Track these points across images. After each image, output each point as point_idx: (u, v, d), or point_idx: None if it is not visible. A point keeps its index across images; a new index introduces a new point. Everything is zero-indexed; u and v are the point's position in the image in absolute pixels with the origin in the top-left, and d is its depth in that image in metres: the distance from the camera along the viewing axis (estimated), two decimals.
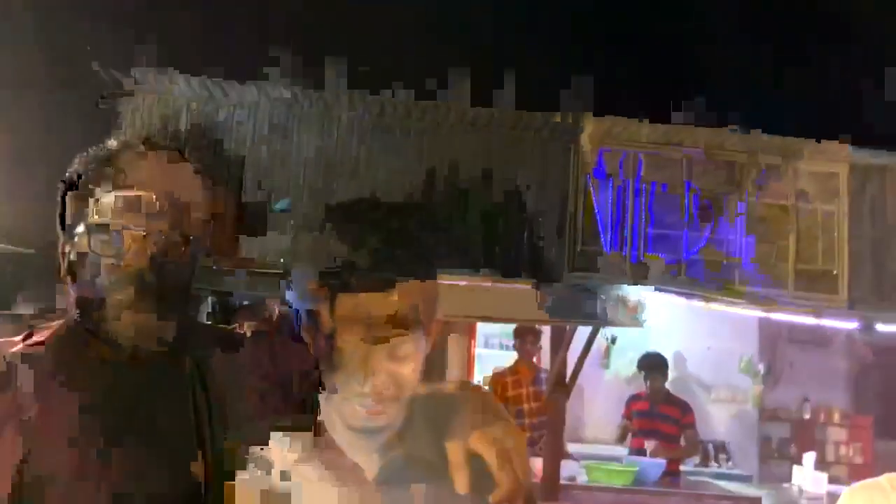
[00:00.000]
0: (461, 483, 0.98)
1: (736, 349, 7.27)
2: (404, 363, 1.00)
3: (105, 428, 1.07)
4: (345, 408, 1.01)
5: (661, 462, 5.04)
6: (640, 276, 4.99)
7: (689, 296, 4.79)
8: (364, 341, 0.98)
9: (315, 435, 1.05)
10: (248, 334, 1.26)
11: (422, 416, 1.08)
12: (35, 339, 1.13)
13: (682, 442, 5.33)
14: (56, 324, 1.15)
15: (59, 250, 1.13)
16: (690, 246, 5.14)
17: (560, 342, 5.13)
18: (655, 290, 4.78)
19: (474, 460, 1.00)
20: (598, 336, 5.45)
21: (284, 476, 1.04)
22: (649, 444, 5.23)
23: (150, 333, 1.08)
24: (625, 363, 6.84)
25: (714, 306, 4.87)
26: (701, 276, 5.06)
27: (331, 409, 1.04)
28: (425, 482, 1.05)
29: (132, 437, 1.07)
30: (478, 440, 1.00)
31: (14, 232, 5.16)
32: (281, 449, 1.04)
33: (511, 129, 5.36)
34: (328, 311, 0.99)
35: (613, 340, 7.01)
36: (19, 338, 1.15)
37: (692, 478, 5.48)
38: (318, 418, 1.07)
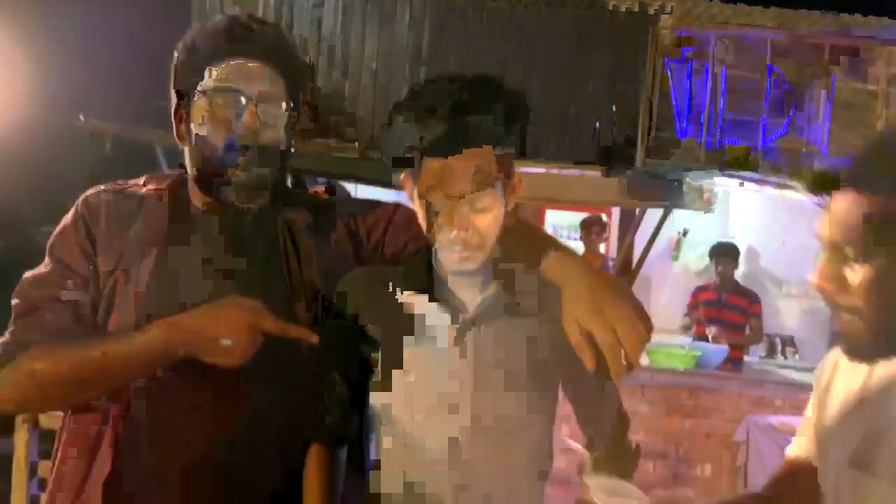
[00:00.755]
0: (588, 359, 1.09)
1: (812, 245, 7.07)
2: (484, 215, 1.13)
3: (213, 269, 1.23)
4: (442, 254, 1.17)
5: (724, 348, 5.09)
6: (715, 162, 4.89)
7: (762, 183, 4.68)
8: (449, 197, 1.11)
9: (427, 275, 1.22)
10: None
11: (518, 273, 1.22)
12: (152, 185, 1.28)
13: (747, 331, 5.34)
14: (169, 179, 1.31)
15: (173, 114, 1.27)
16: (769, 133, 4.99)
17: (628, 230, 5.14)
18: (729, 176, 4.70)
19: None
20: (670, 228, 5.41)
21: (402, 303, 1.21)
22: (710, 330, 5.27)
23: (254, 189, 1.21)
24: (695, 256, 6.80)
25: (789, 194, 4.75)
26: (779, 164, 4.93)
27: (439, 256, 1.20)
28: (515, 319, 1.20)
29: (235, 280, 1.22)
30: (590, 320, 1.09)
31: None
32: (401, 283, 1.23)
33: (587, 9, 5.20)
34: (418, 173, 1.13)
35: (685, 233, 6.93)
36: (141, 180, 1.30)
37: (756, 367, 5.53)
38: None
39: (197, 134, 1.21)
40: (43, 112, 4.65)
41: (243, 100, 1.18)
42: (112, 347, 1.15)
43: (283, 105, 1.23)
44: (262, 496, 1.20)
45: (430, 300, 1.20)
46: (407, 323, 1.20)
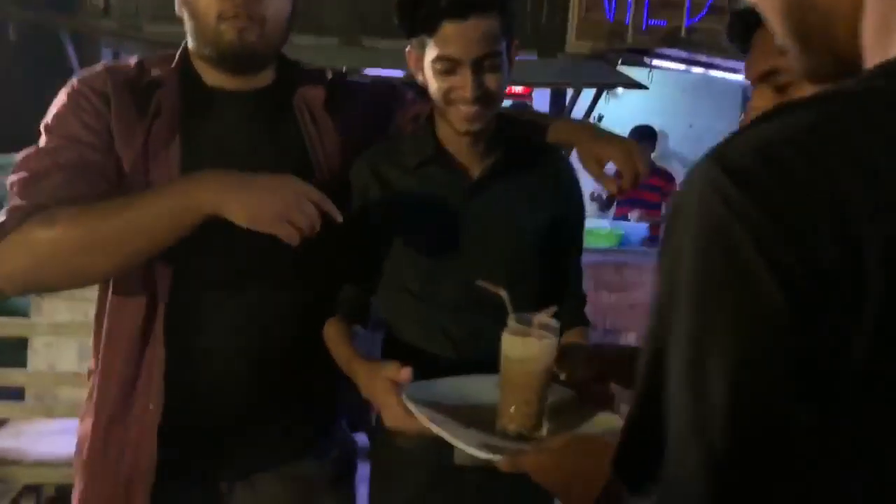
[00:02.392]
0: (611, 185, 1.24)
1: (717, 127, 7.46)
2: (495, 74, 1.20)
3: (237, 151, 1.22)
4: (453, 115, 1.22)
5: (644, 226, 5.37)
6: (642, 43, 4.99)
7: (690, 63, 4.84)
8: (465, 58, 1.17)
9: (434, 145, 1.28)
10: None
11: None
12: (157, 69, 1.23)
13: (664, 210, 5.63)
14: (172, 59, 1.24)
15: None
16: (693, 13, 5.11)
17: (560, 113, 5.24)
18: (658, 57, 4.82)
19: None
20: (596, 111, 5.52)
21: (412, 174, 1.28)
22: (633, 214, 5.53)
23: (250, 44, 1.17)
24: None
25: (714, 73, 4.93)
26: (703, 44, 5.07)
27: (445, 123, 1.26)
28: (516, 183, 1.30)
29: (260, 160, 1.20)
30: (606, 149, 1.25)
31: None
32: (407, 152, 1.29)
33: None
34: (429, 42, 1.19)
35: (600, 118, 7.13)
36: (131, 62, 1.24)
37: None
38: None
39: (190, 4, 1.18)
40: None
41: None
42: (140, 200, 1.06)
43: None
44: (295, 372, 1.27)
45: (438, 167, 1.28)
46: (416, 191, 1.28)
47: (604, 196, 5.53)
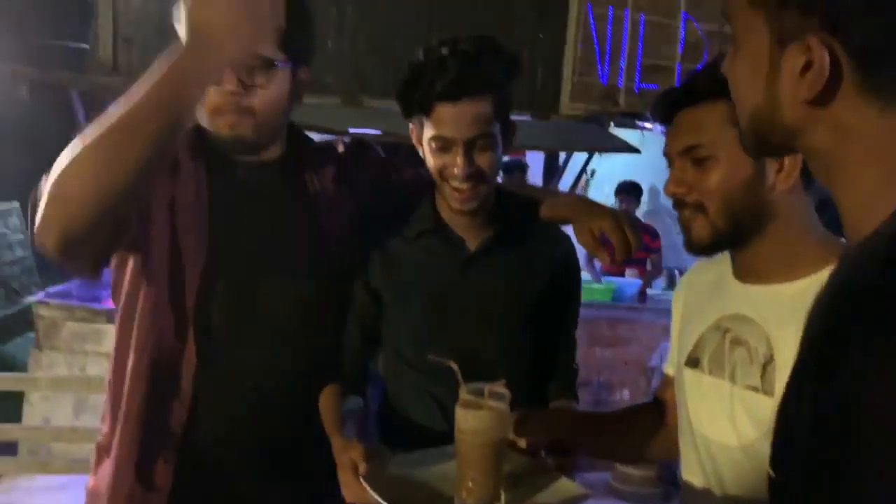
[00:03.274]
0: (604, 258, 1.26)
1: None
2: (487, 153, 1.27)
3: (248, 222, 1.29)
4: (448, 194, 1.30)
5: (637, 281, 5.43)
6: (633, 106, 5.12)
7: None
8: (458, 139, 1.24)
9: (434, 217, 1.35)
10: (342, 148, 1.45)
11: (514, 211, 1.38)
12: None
13: (648, 266, 5.69)
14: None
15: None
16: (683, 78, 5.23)
17: (553, 175, 5.34)
18: (649, 121, 4.94)
19: None
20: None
21: (412, 243, 1.35)
22: (630, 271, 5.59)
23: (243, 136, 1.24)
24: (602, 196, 7.12)
25: None
26: None
27: (440, 199, 1.34)
28: (513, 256, 1.35)
29: (270, 230, 1.29)
30: (600, 222, 1.28)
31: None
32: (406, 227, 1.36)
33: None
34: (427, 121, 1.27)
35: (592, 174, 7.22)
36: None
37: (659, 298, 5.89)
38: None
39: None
40: None
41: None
42: (132, 97, 0.98)
43: (270, 61, 1.21)
44: (297, 424, 1.32)
45: (437, 238, 1.35)
46: (415, 260, 1.34)
47: (597, 267, 5.58)
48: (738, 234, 1.05)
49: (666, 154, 1.11)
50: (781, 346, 0.99)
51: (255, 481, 1.29)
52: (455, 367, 1.08)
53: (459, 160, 1.24)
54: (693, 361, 1.14)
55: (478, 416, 1.00)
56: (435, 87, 1.22)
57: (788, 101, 0.64)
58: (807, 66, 0.61)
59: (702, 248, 1.10)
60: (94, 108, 5.58)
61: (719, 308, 1.12)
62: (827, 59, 0.60)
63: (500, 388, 1.04)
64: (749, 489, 1.02)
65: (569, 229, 1.40)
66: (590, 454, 1.33)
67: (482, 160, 1.26)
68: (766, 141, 0.69)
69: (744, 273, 1.09)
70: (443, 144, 1.25)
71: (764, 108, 0.66)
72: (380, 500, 0.99)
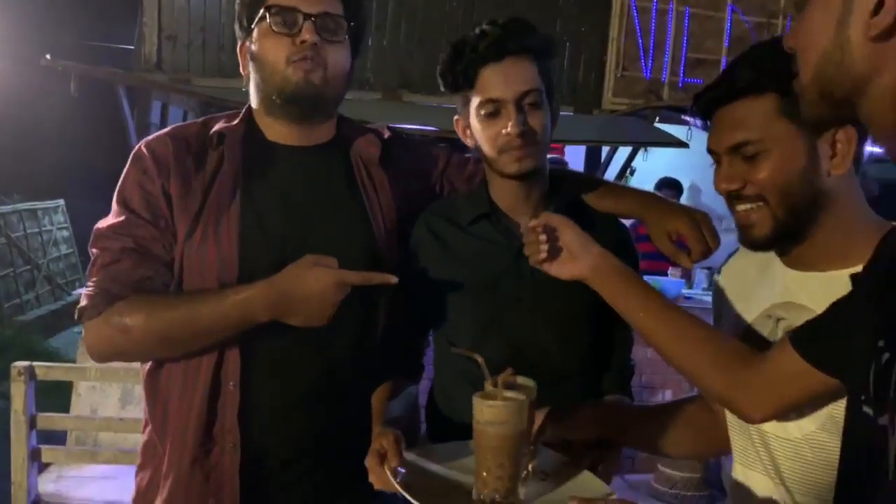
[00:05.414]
0: (684, 260, 1.26)
1: None
2: (538, 111, 1.25)
3: (295, 204, 1.28)
4: (503, 160, 1.27)
5: (681, 281, 5.33)
6: (677, 101, 5.03)
7: None
8: (507, 98, 1.23)
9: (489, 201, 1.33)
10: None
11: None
12: (220, 125, 1.30)
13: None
14: (237, 117, 1.32)
15: (239, 50, 1.31)
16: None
17: (595, 170, 5.27)
18: (692, 116, 4.84)
19: None
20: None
21: (465, 230, 1.32)
22: (674, 272, 5.49)
23: (315, 85, 1.25)
24: None
25: None
26: None
27: (497, 180, 1.31)
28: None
29: (317, 214, 1.28)
30: (672, 220, 1.27)
31: None
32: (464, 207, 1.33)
33: None
34: (474, 90, 1.26)
35: (632, 172, 7.14)
36: (199, 121, 1.33)
37: (700, 297, 5.79)
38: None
39: (259, 55, 1.26)
40: (11, 51, 4.45)
41: (301, 18, 1.23)
42: (205, 308, 1.18)
43: (342, 24, 1.27)
44: (351, 423, 1.29)
45: (490, 225, 1.31)
46: (468, 248, 1.31)
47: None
48: (798, 225, 1.03)
49: (710, 150, 1.08)
50: None
51: (308, 471, 1.28)
52: (481, 360, 1.07)
53: (511, 118, 1.23)
54: None
55: (493, 408, 0.99)
56: (479, 50, 1.23)
57: (859, 41, 0.64)
58: (878, 6, 0.62)
59: (764, 242, 1.06)
60: (138, 103, 5.70)
61: (768, 297, 1.09)
62: None
63: (525, 379, 1.03)
64: (811, 481, 1.02)
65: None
66: (639, 448, 1.29)
67: (533, 119, 1.24)
68: (829, 96, 0.69)
69: (795, 260, 1.07)
70: (493, 109, 1.24)
71: (833, 53, 0.66)
72: (399, 488, 0.98)
